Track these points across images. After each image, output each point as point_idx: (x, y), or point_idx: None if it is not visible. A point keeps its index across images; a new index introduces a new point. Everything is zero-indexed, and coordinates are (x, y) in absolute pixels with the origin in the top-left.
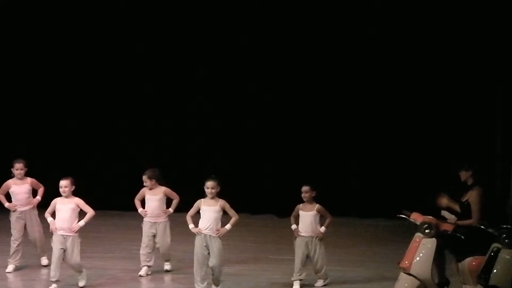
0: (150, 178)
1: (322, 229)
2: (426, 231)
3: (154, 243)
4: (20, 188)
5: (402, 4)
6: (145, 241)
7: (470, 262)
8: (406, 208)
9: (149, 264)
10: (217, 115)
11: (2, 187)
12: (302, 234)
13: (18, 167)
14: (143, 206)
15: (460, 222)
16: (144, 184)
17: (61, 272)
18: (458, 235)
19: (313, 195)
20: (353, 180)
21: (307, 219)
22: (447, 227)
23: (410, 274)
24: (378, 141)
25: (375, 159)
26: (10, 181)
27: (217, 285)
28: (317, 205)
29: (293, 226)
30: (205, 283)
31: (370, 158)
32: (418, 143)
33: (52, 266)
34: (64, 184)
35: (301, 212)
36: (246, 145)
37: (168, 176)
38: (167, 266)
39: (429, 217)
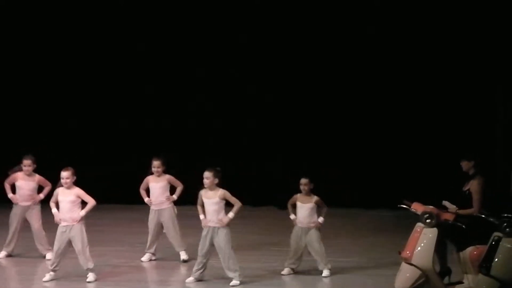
0: (164, 164)
1: (321, 219)
2: (427, 221)
3: (160, 230)
4: (26, 184)
5: (402, 4)
6: (149, 228)
7: (471, 251)
8: (407, 198)
9: (151, 251)
10: (217, 115)
11: (9, 178)
12: (299, 225)
13: (26, 164)
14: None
15: (461, 212)
16: (154, 169)
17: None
18: (459, 224)
19: (311, 187)
20: (354, 172)
21: (305, 211)
22: (448, 216)
23: (411, 264)
24: (380, 134)
25: (377, 151)
26: (19, 174)
27: (234, 276)
28: (315, 197)
29: (292, 216)
30: (198, 273)
31: (372, 150)
32: (420, 137)
33: (53, 256)
34: (66, 176)
35: (298, 204)
36: (246, 144)
37: (173, 174)
38: (183, 256)
39: (430, 207)
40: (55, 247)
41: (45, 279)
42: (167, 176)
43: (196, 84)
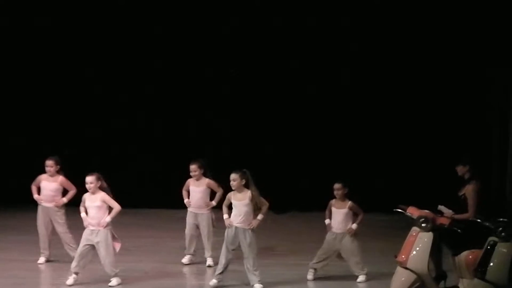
0: (200, 167)
1: (354, 226)
2: (423, 225)
3: (197, 233)
4: (49, 185)
5: (400, 4)
6: (187, 231)
7: (467, 255)
8: (403, 202)
9: (191, 253)
10: (217, 115)
11: (36, 180)
12: (333, 230)
13: (48, 164)
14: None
15: (457, 216)
16: (192, 173)
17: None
18: (455, 229)
19: (345, 192)
20: (350, 176)
21: (339, 216)
22: (443, 221)
23: (407, 268)
24: (375, 139)
25: (373, 156)
26: (42, 176)
27: (254, 280)
28: (350, 202)
29: (327, 221)
30: (221, 274)
31: (367, 155)
32: (415, 141)
33: (75, 258)
34: (90, 180)
35: (333, 209)
36: (246, 147)
37: (170, 176)
38: (209, 261)
39: (426, 211)
40: (78, 248)
41: (68, 282)
42: (207, 181)
43: (196, 84)
